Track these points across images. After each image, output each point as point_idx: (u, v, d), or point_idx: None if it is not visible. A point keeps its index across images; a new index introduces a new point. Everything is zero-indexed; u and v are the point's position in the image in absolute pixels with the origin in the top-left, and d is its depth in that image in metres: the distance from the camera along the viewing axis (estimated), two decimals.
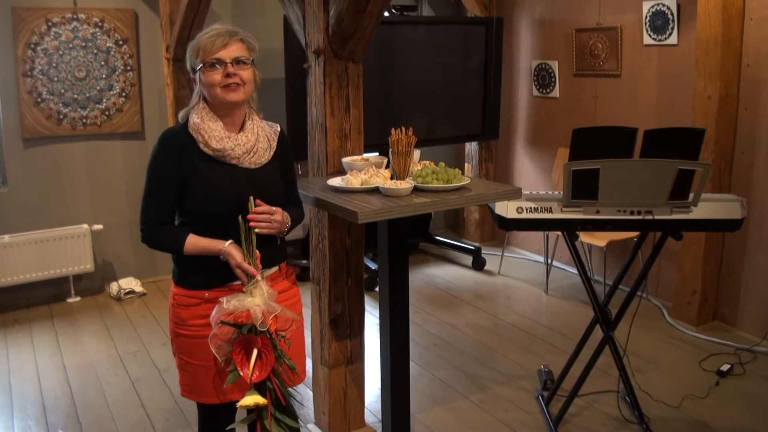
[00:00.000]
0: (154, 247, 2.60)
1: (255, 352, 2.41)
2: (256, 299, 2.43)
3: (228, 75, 2.49)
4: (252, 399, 2.41)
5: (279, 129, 2.76)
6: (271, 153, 2.67)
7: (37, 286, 5.76)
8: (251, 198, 2.51)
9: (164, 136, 2.58)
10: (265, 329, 2.41)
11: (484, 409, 4.05)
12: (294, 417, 2.53)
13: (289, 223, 2.67)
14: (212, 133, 2.52)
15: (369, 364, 3.90)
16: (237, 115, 2.60)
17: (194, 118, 2.54)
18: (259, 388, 2.45)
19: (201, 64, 2.50)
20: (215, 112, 2.57)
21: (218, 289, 2.56)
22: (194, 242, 2.53)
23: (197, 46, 2.51)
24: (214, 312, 2.43)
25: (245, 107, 2.63)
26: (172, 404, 4.10)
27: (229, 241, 2.51)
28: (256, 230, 2.50)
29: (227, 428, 2.59)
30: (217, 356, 2.47)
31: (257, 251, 2.51)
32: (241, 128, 2.61)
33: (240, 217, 2.48)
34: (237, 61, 2.51)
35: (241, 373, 2.40)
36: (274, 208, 2.56)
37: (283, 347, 2.50)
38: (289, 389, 2.58)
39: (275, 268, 2.71)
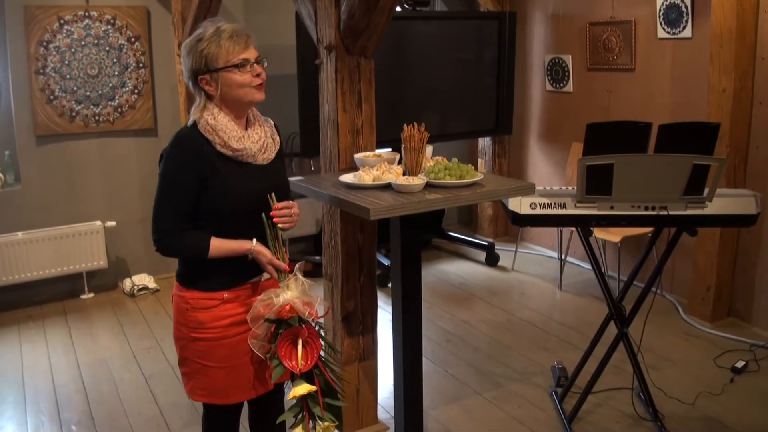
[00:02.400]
0: (172, 254, 2.54)
1: (300, 342, 2.41)
2: (294, 292, 2.43)
3: (258, 75, 2.49)
4: (304, 388, 2.41)
5: (274, 123, 2.74)
6: (276, 147, 2.66)
7: (50, 283, 5.78)
8: (272, 195, 2.51)
9: (180, 139, 2.50)
10: (310, 319, 2.43)
11: (497, 406, 4.03)
12: (337, 398, 2.53)
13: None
14: (231, 133, 2.48)
15: (382, 361, 3.89)
16: (248, 113, 2.61)
17: (208, 119, 2.48)
18: (303, 376, 2.46)
19: (227, 65, 2.45)
20: (228, 113, 2.53)
21: (237, 289, 2.56)
22: (219, 245, 2.49)
23: (217, 47, 2.44)
24: (250, 312, 2.44)
25: None
26: (186, 401, 4.10)
27: (255, 240, 2.50)
28: (280, 226, 2.50)
29: (279, 419, 2.59)
30: (260, 354, 2.47)
31: (284, 246, 2.53)
32: (247, 126, 2.60)
33: (264, 215, 2.47)
34: (258, 61, 2.52)
35: (288, 366, 2.39)
36: (291, 202, 2.57)
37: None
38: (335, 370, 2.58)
39: None
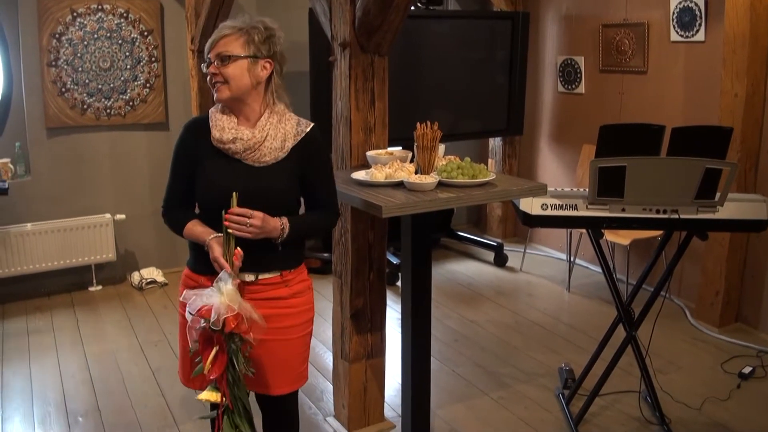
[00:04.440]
0: (168, 227, 2.69)
1: (215, 349, 2.37)
2: (221, 297, 2.37)
3: (210, 74, 2.52)
4: (207, 395, 2.42)
5: (308, 129, 2.64)
6: (283, 153, 2.57)
7: (59, 275, 5.80)
8: (234, 195, 2.44)
9: (186, 124, 2.66)
10: (218, 328, 2.34)
11: (504, 407, 4.03)
12: (249, 423, 2.48)
13: (287, 230, 2.54)
14: (217, 122, 2.54)
15: (389, 359, 3.88)
16: (246, 111, 2.57)
17: (212, 109, 2.61)
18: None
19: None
20: (232, 106, 2.59)
21: (211, 277, 2.52)
22: (191, 228, 2.59)
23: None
24: (189, 303, 2.42)
25: (259, 103, 2.58)
26: (193, 394, 4.06)
27: (215, 234, 2.50)
28: (230, 231, 2.43)
29: (198, 417, 2.59)
30: (190, 345, 2.44)
31: (238, 249, 2.44)
32: (255, 125, 2.58)
33: (223, 212, 2.44)
34: (219, 58, 2.49)
35: (204, 366, 2.38)
36: (253, 212, 2.44)
37: (245, 349, 2.43)
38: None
39: (274, 274, 2.62)
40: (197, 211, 2.67)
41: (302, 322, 2.71)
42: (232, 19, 2.59)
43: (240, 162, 2.54)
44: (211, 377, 2.39)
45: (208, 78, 2.53)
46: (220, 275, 2.42)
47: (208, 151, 2.54)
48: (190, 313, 2.39)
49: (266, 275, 2.61)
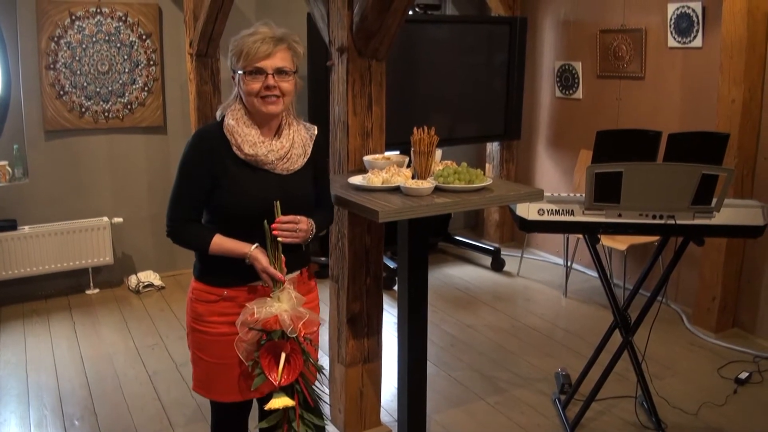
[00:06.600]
0: (180, 243, 2.58)
1: (283, 356, 2.40)
2: (284, 305, 2.42)
3: (268, 87, 2.45)
4: (281, 401, 2.42)
5: (315, 132, 2.70)
6: (305, 159, 2.63)
7: (56, 277, 5.80)
8: (277, 204, 2.48)
9: (199, 134, 2.56)
10: (294, 335, 2.40)
11: (501, 412, 4.03)
12: (320, 416, 2.53)
13: (314, 230, 2.63)
14: (246, 137, 2.48)
15: (386, 363, 3.89)
16: (274, 122, 2.57)
17: (230, 120, 2.51)
18: (285, 389, 2.45)
19: (242, 70, 2.46)
20: (251, 116, 2.53)
21: (238, 288, 2.56)
22: (220, 243, 2.50)
23: (240, 49, 2.45)
24: (240, 317, 2.43)
25: (282, 113, 2.59)
26: (189, 398, 4.11)
27: (255, 245, 2.49)
28: (279, 239, 2.48)
29: (257, 426, 2.57)
30: (243, 360, 2.46)
31: (282, 256, 2.50)
32: (277, 134, 2.58)
33: (266, 222, 2.46)
34: (279, 72, 2.47)
35: (269, 378, 2.40)
36: (299, 217, 2.53)
37: (309, 350, 2.51)
38: (316, 389, 2.57)
39: (297, 273, 2.68)
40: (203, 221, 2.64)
41: (318, 314, 2.76)
42: (266, 25, 2.54)
43: (268, 172, 2.54)
44: (283, 384, 2.42)
45: (258, 89, 2.46)
46: (284, 286, 2.47)
47: (230, 162, 2.49)
48: (252, 328, 2.40)
49: (292, 275, 2.63)
